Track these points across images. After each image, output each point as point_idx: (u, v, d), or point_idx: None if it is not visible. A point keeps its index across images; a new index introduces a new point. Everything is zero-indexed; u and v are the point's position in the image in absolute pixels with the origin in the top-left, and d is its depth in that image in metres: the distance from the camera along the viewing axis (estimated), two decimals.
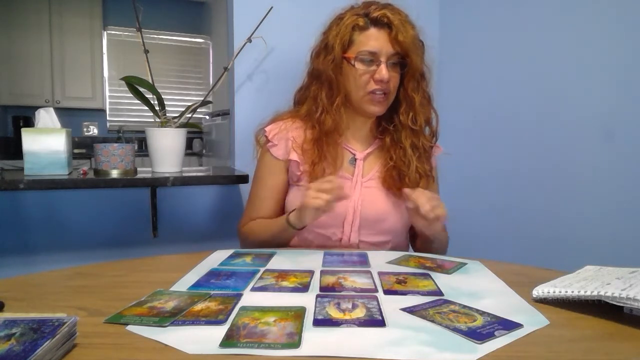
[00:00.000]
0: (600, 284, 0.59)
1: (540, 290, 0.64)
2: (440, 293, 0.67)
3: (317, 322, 0.55)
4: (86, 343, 0.48)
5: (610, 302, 0.56)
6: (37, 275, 0.75)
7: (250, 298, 0.64)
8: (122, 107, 4.14)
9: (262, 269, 0.78)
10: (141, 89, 1.35)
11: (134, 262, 0.85)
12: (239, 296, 0.64)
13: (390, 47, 0.99)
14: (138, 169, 1.42)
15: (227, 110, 1.74)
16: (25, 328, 0.45)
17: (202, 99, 1.48)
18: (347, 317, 0.56)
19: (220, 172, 1.51)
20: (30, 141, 1.25)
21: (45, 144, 1.26)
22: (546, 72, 1.41)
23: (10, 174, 1.29)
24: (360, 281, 0.71)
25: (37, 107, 1.35)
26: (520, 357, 0.48)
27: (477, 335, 0.52)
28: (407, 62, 1.02)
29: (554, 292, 0.62)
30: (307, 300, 0.62)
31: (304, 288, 0.68)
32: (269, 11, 1.43)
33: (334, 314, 0.57)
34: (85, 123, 4.10)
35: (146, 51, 1.41)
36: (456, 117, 1.53)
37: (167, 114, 1.39)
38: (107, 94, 4.06)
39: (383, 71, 0.99)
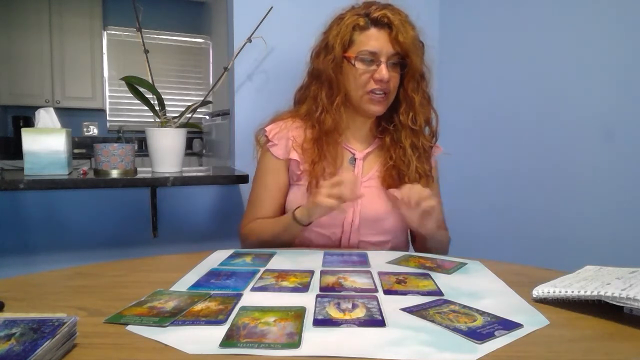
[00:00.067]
0: (600, 284, 0.59)
1: (540, 290, 0.64)
2: (440, 293, 0.67)
3: (317, 322, 0.55)
4: (86, 343, 0.48)
5: (610, 302, 0.56)
6: (37, 275, 0.75)
7: (250, 298, 0.64)
8: (122, 107, 4.14)
9: (262, 269, 0.78)
10: (141, 89, 1.35)
11: (134, 262, 0.85)
12: (239, 296, 0.64)
13: (390, 47, 1.00)
14: (138, 169, 1.42)
15: (227, 110, 1.74)
16: (25, 328, 0.45)
17: (202, 99, 1.48)
18: (347, 317, 0.56)
19: (220, 172, 1.51)
20: (30, 141, 1.25)
21: (45, 144, 1.26)
22: (546, 72, 1.41)
23: (10, 174, 1.29)
24: (360, 281, 0.71)
25: (37, 107, 1.35)
26: (520, 357, 0.48)
27: (477, 335, 0.52)
28: (407, 63, 1.02)
29: (554, 292, 0.62)
30: (307, 300, 0.62)
31: (304, 288, 0.68)
32: (269, 11, 1.43)
33: (334, 314, 0.57)
34: (85, 123, 4.10)
35: (146, 51, 1.41)
36: (456, 117, 1.53)
37: (167, 114, 1.39)
38: (107, 94, 4.06)
39: (383, 71, 0.99)
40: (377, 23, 1.00)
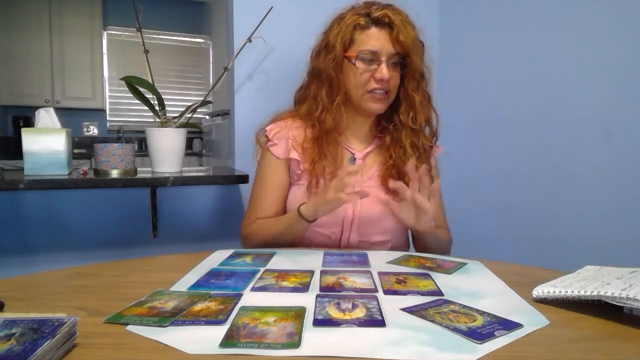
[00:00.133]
0: (600, 284, 0.59)
1: (540, 290, 0.64)
2: (440, 293, 0.67)
3: (317, 322, 0.55)
4: (86, 343, 0.48)
5: (610, 302, 0.56)
6: (37, 275, 0.75)
7: (250, 298, 0.64)
8: (122, 107, 4.14)
9: (262, 269, 0.78)
10: (141, 89, 1.35)
11: (134, 262, 0.85)
12: (239, 296, 0.64)
13: (391, 46, 1.00)
14: (138, 169, 1.42)
15: (227, 110, 1.74)
16: (25, 328, 0.45)
17: (202, 99, 1.48)
18: (347, 317, 0.56)
19: (220, 172, 1.51)
20: (30, 141, 1.25)
21: (45, 144, 1.26)
22: (546, 72, 1.41)
23: (10, 174, 1.29)
24: (360, 281, 0.71)
25: (37, 107, 1.34)
26: (520, 357, 0.48)
27: (477, 335, 0.52)
28: (407, 62, 1.02)
29: (554, 292, 0.62)
30: (307, 300, 0.62)
31: (304, 288, 0.68)
32: (269, 11, 1.43)
33: (334, 314, 0.57)
34: (85, 123, 4.10)
35: (146, 51, 1.41)
36: (456, 117, 1.53)
37: (167, 114, 1.39)
38: (107, 94, 4.06)
39: (384, 70, 0.99)
40: (378, 22, 1.00)
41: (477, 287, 0.70)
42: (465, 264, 0.84)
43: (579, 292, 0.59)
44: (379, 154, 1.10)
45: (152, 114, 1.39)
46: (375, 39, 1.00)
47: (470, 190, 1.66)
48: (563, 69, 1.36)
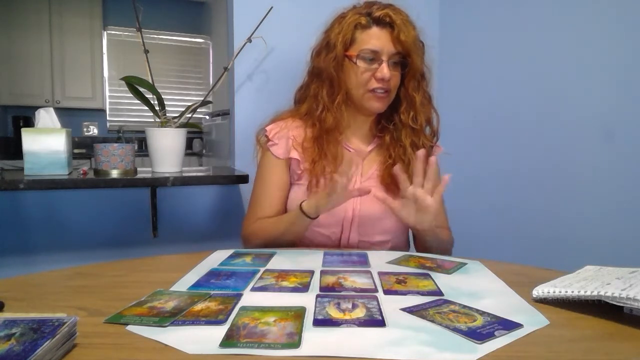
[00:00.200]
0: (600, 284, 0.59)
1: (540, 290, 0.64)
2: (440, 293, 0.67)
3: (317, 322, 0.55)
4: (86, 343, 0.48)
5: (610, 302, 0.56)
6: (37, 275, 0.75)
7: (250, 298, 0.64)
8: (122, 107, 4.14)
9: (262, 269, 0.78)
10: (141, 89, 1.35)
11: (134, 262, 0.85)
12: (239, 296, 0.64)
13: (392, 46, 1.00)
14: (138, 169, 1.42)
15: (227, 110, 1.74)
16: (25, 328, 0.45)
17: (202, 99, 1.48)
18: (347, 317, 0.56)
19: (220, 172, 1.51)
20: (30, 141, 1.25)
21: (45, 144, 1.26)
22: (546, 72, 1.41)
23: (10, 174, 1.29)
24: (360, 281, 0.71)
25: (37, 107, 1.35)
26: (520, 357, 0.48)
27: (477, 335, 0.52)
28: (408, 62, 1.02)
29: (554, 292, 0.62)
30: (307, 300, 0.62)
31: (304, 288, 0.68)
32: (269, 11, 1.43)
33: (334, 314, 0.57)
34: (85, 123, 4.10)
35: (146, 51, 1.41)
36: (456, 117, 1.53)
37: (167, 114, 1.39)
38: (107, 94, 4.06)
39: (384, 70, 0.99)
40: (379, 22, 1.00)
41: (477, 287, 0.70)
42: (465, 264, 0.84)
43: (579, 292, 0.59)
44: (378, 154, 1.10)
45: (152, 114, 1.39)
46: (376, 39, 1.00)
47: (470, 190, 1.66)
48: (563, 69, 1.36)
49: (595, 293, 0.57)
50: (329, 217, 1.00)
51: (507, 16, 1.56)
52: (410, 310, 0.59)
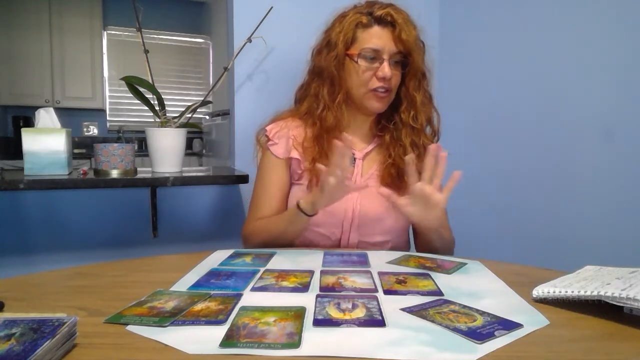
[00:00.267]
0: (600, 284, 0.59)
1: (540, 290, 0.64)
2: (440, 293, 0.67)
3: (317, 322, 0.55)
4: (86, 343, 0.48)
5: (610, 302, 0.56)
6: (37, 275, 0.75)
7: (250, 298, 0.64)
8: (122, 107, 4.14)
9: (262, 269, 0.78)
10: (141, 89, 1.35)
11: (134, 262, 0.85)
12: (239, 296, 0.64)
13: (393, 45, 1.00)
14: (138, 169, 1.42)
15: (227, 110, 1.74)
16: (25, 328, 0.45)
17: (202, 99, 1.48)
18: (347, 317, 0.56)
19: (220, 172, 1.51)
20: (30, 141, 1.25)
21: (45, 144, 1.26)
22: (546, 72, 1.41)
23: (10, 174, 1.29)
24: (360, 281, 0.71)
25: (37, 107, 1.35)
26: (520, 357, 0.48)
27: (477, 335, 0.52)
28: (409, 61, 1.02)
29: (554, 292, 0.62)
30: (307, 300, 0.62)
31: (304, 288, 0.68)
32: (269, 11, 1.43)
33: (334, 314, 0.57)
34: (85, 123, 4.11)
35: (146, 51, 1.41)
36: (456, 117, 1.53)
37: (167, 114, 1.39)
38: (107, 94, 4.06)
39: (386, 69, 0.99)
40: (380, 21, 1.00)
41: (477, 287, 0.70)
42: (465, 264, 0.84)
43: (579, 292, 0.59)
44: (378, 153, 1.10)
45: (152, 114, 1.39)
46: (377, 38, 1.00)
47: (470, 190, 1.65)
48: (563, 69, 1.36)
49: (595, 293, 0.57)
50: (328, 217, 1.00)
51: (507, 16, 1.56)
52: (410, 310, 0.59)
